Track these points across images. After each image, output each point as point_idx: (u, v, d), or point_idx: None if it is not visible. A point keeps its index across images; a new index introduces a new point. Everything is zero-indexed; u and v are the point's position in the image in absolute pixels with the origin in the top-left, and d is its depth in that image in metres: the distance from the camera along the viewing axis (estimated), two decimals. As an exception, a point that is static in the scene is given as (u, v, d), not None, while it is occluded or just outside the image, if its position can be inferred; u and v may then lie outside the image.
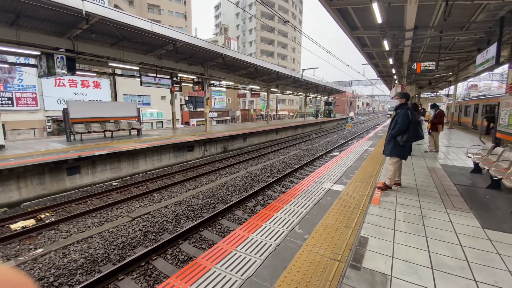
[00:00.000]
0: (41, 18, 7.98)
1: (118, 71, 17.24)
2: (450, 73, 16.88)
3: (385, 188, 4.74)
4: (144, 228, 5.39)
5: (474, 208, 3.87)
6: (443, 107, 24.70)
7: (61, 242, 4.89)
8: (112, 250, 4.62)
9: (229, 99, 39.67)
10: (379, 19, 6.71)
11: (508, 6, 6.90)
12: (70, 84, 20.12)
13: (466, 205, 4.02)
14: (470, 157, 6.01)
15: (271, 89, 24.80)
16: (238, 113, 40.82)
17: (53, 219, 5.92)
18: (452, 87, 20.88)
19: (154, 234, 5.20)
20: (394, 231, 3.18)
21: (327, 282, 2.27)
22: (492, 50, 6.69)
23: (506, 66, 8.96)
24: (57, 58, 8.92)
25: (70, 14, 7.50)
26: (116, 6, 25.86)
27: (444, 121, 9.26)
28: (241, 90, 31.48)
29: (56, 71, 8.92)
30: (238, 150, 15.34)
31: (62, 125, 14.71)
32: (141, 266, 4.12)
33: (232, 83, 21.33)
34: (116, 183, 8.64)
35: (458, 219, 3.53)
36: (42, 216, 6.07)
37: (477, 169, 5.81)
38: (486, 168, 4.82)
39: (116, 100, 22.64)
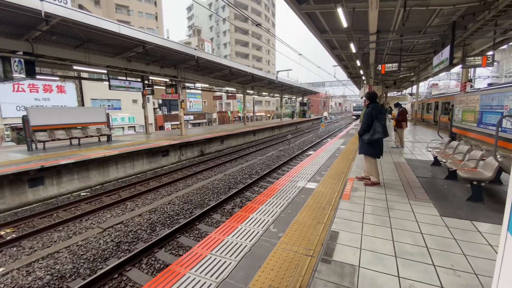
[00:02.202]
0: (-6, 19, 7.37)
1: (85, 75, 16.34)
2: (412, 74, 18.12)
3: (372, 184, 4.91)
4: (116, 239, 5.16)
5: (434, 198, 4.20)
6: (407, 106, 26.42)
7: (24, 259, 4.54)
8: (82, 264, 4.37)
9: (205, 101, 39.17)
10: (344, 23, 7.05)
11: (460, 11, 7.59)
12: (31, 89, 18.67)
13: (427, 195, 4.34)
14: (430, 151, 6.50)
15: (247, 91, 24.87)
16: (215, 115, 40.45)
17: (14, 235, 5.48)
18: (415, 86, 22.41)
19: (127, 244, 5.00)
20: (363, 224, 3.36)
21: (299, 277, 2.35)
22: (446, 52, 7.32)
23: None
24: (14, 61, 8.31)
25: (28, 15, 6.99)
26: (80, 7, 24.52)
27: (408, 118, 9.91)
28: (217, 92, 31.28)
29: (13, 75, 8.31)
30: (216, 153, 15.20)
31: (22, 133, 13.61)
32: (114, 279, 3.95)
33: (207, 86, 21.12)
34: (85, 193, 8.17)
35: (419, 209, 3.81)
36: (2, 232, 5.60)
37: (436, 162, 6.30)
38: (444, 160, 5.25)
39: (83, 105, 21.38)
